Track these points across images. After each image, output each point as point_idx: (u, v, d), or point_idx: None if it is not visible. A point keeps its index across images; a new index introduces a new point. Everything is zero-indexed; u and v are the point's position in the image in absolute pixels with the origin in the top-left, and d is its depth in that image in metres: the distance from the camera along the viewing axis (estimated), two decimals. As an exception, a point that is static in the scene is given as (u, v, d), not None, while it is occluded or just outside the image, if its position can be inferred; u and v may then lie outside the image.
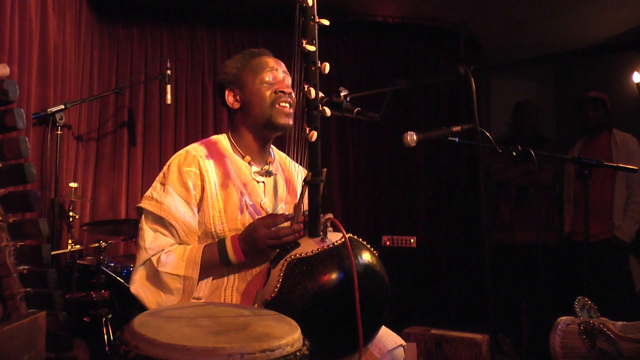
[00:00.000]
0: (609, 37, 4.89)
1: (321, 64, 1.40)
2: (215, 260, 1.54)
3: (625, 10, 4.33)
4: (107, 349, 2.81)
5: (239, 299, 1.57)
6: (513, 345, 3.22)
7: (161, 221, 1.58)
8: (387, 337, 1.61)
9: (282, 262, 1.38)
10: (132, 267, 3.05)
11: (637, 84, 4.44)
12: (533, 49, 5.18)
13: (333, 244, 1.41)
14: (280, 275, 1.35)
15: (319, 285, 1.33)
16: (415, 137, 1.84)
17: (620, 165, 2.43)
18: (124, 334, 1.11)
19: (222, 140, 1.75)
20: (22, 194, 1.34)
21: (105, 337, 2.84)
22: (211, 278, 1.60)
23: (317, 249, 1.39)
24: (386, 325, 1.61)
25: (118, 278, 2.96)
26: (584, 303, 1.65)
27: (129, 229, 3.22)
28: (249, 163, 1.71)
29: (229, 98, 1.71)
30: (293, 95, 1.68)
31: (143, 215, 1.61)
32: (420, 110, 4.79)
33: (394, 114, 4.65)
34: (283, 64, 1.74)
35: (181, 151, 1.68)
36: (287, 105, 1.66)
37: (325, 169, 1.46)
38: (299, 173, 1.85)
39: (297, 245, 1.43)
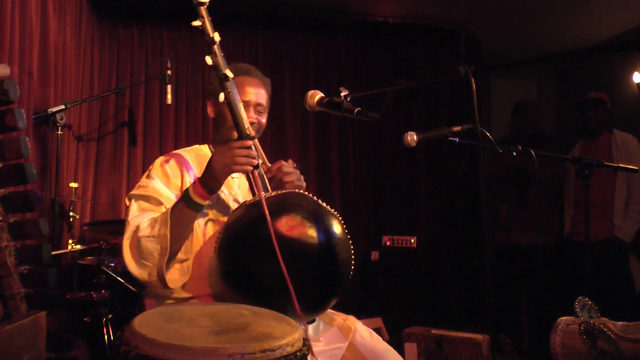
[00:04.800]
0: (609, 37, 4.88)
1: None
2: (181, 206, 1.57)
3: (625, 10, 4.33)
4: (107, 349, 2.81)
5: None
6: (513, 345, 3.23)
7: (146, 199, 1.67)
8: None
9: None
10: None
11: (637, 84, 4.43)
12: (533, 49, 5.17)
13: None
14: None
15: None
16: (415, 137, 1.84)
17: (621, 165, 2.43)
18: (124, 334, 1.11)
19: (203, 147, 1.91)
20: (23, 194, 1.34)
21: (106, 337, 2.84)
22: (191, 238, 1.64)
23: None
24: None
25: (118, 278, 2.96)
26: (584, 303, 1.65)
27: (129, 229, 3.22)
28: None
29: (208, 108, 1.92)
30: (261, 120, 1.83)
31: (132, 200, 1.70)
32: (420, 110, 4.79)
33: (394, 114, 4.64)
34: (263, 86, 1.85)
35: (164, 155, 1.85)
36: None
37: None
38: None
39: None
